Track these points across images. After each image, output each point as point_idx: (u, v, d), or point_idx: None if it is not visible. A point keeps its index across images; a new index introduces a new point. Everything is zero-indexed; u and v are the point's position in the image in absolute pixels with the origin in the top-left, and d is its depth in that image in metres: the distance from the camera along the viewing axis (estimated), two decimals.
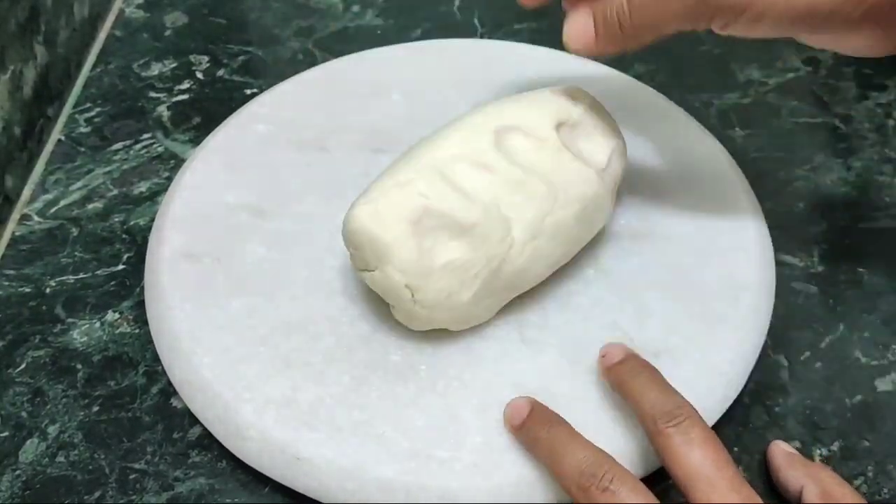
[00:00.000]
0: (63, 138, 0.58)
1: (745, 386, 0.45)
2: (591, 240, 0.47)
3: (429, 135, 0.45)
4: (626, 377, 0.40)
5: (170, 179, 0.54)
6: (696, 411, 0.38)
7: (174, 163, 0.56)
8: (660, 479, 0.42)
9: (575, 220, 0.44)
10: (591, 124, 0.46)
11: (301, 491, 0.41)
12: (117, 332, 0.48)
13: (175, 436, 0.44)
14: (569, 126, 0.46)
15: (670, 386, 0.40)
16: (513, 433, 0.41)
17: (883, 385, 0.47)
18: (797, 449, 0.43)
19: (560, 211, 0.44)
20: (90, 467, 0.43)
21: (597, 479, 0.37)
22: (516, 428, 0.41)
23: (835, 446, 0.45)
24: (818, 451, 0.44)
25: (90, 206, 0.54)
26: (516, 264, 0.43)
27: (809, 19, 0.37)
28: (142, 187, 0.55)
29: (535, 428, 0.40)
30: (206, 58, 0.63)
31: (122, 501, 0.42)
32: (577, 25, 0.43)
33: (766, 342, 0.47)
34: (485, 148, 0.43)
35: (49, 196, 0.54)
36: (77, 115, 0.59)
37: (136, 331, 0.48)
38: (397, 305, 0.43)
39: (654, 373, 0.40)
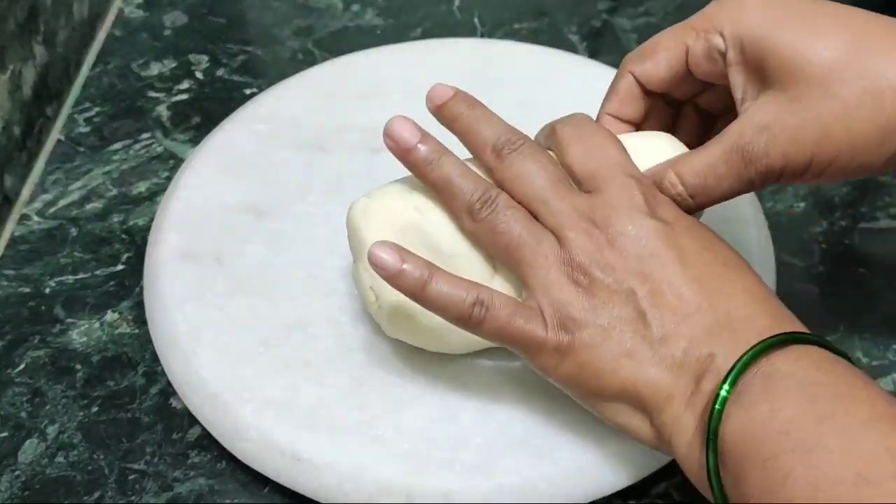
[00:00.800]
0: (62, 138, 0.58)
1: None
2: None
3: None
4: (456, 112, 0.41)
5: (169, 179, 0.54)
6: (530, 138, 0.41)
7: (173, 163, 0.56)
8: (661, 479, 0.42)
9: None
10: None
11: (301, 492, 0.41)
12: (116, 332, 0.48)
13: (174, 436, 0.44)
14: None
15: (502, 119, 0.41)
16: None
17: (883, 385, 0.47)
18: None
19: None
20: (89, 468, 0.43)
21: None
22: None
23: None
24: None
25: (89, 206, 0.54)
26: None
27: (861, 174, 0.38)
28: (141, 187, 0.55)
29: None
30: (205, 57, 0.63)
31: (121, 502, 0.42)
32: None
33: None
34: None
35: (48, 196, 0.54)
36: (76, 115, 0.59)
37: (136, 331, 0.48)
38: (368, 307, 0.43)
39: (484, 108, 0.41)
